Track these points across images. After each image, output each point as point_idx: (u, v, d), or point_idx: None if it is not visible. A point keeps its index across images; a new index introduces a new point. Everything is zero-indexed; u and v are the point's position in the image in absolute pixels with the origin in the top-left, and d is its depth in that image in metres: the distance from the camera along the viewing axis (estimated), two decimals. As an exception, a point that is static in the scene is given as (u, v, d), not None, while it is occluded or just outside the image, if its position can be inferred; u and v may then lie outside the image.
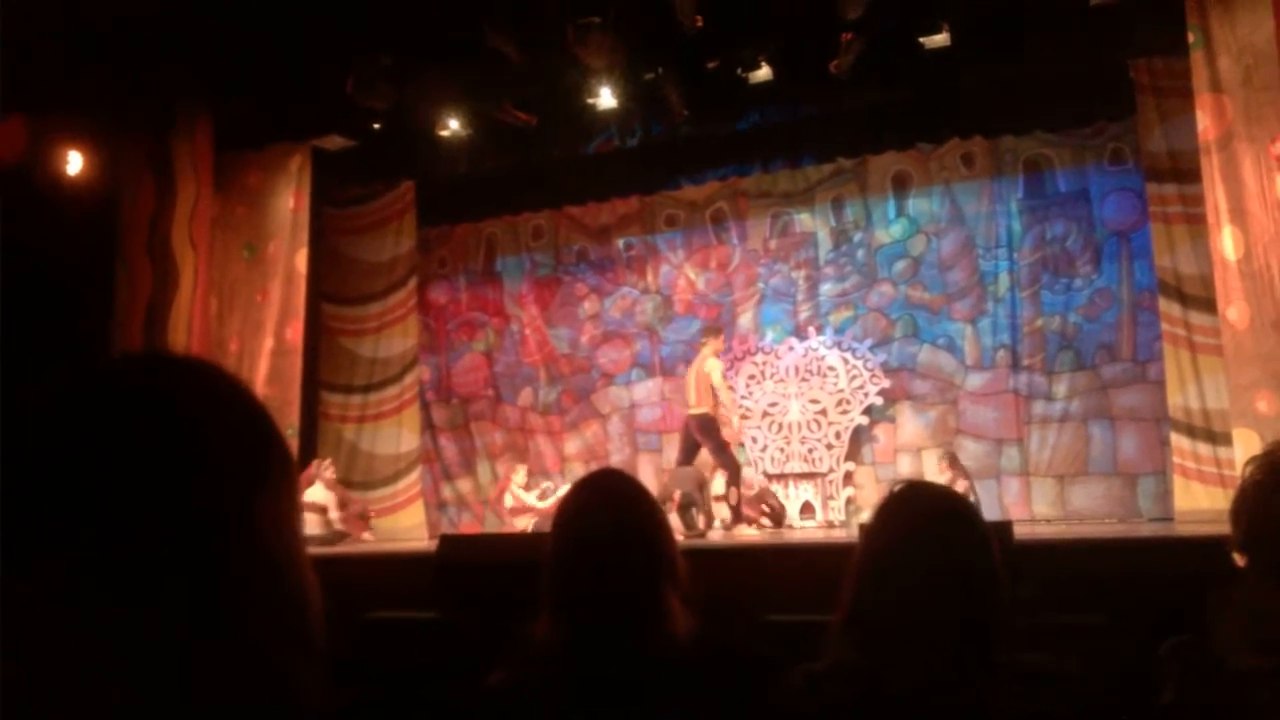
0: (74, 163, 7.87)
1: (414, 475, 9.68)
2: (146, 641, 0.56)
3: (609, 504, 1.59)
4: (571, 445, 9.87)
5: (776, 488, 8.84)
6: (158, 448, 0.60)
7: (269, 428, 0.69)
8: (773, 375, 9.22)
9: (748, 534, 7.37)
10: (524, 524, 8.45)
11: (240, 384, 0.70)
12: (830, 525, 8.52)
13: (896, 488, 1.58)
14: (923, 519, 1.48)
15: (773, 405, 9.11)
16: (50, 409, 0.60)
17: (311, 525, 8.05)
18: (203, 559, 0.59)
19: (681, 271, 9.82)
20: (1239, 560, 2.92)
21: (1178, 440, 7.40)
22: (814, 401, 9.02)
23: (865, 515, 6.24)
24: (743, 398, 9.12)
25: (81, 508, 0.57)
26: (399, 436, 9.71)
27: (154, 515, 0.58)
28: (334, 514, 8.40)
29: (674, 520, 7.72)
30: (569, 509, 1.60)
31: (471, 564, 4.53)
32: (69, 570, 0.56)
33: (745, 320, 9.55)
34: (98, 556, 0.56)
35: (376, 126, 8.50)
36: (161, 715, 0.57)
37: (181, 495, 0.59)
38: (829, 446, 8.91)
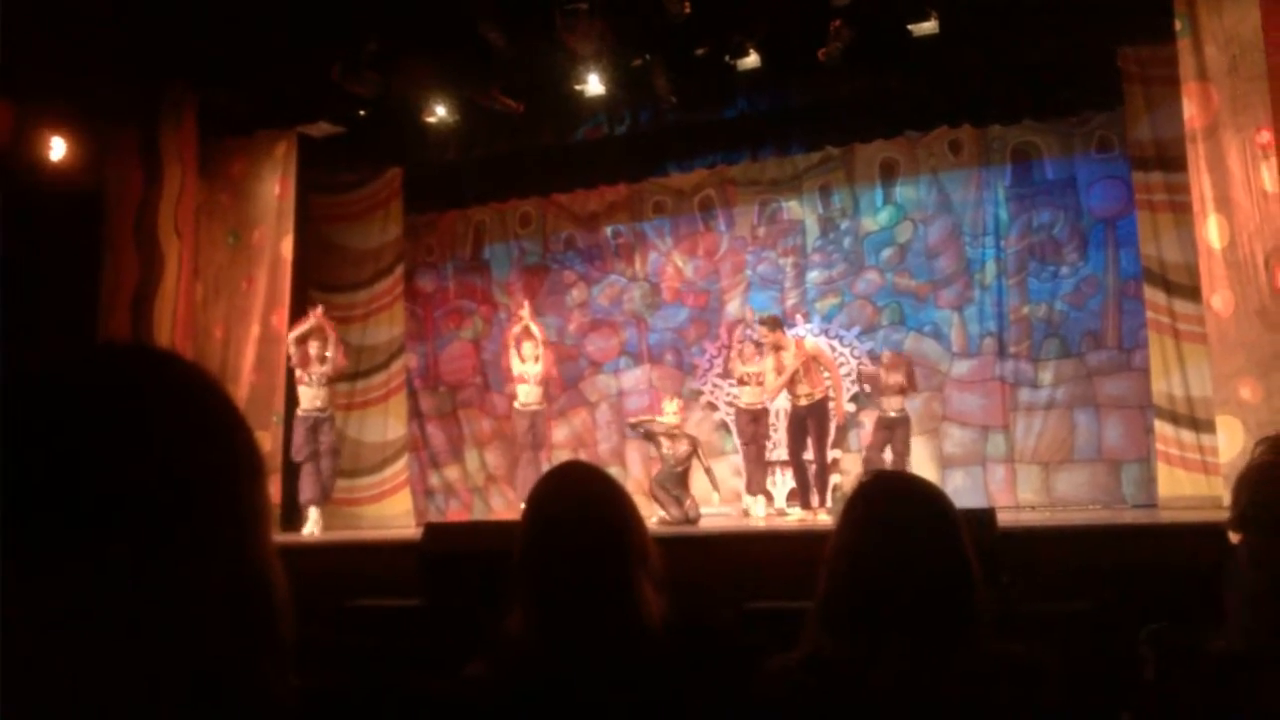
0: (58, 149, 7.81)
1: (401, 463, 9.67)
2: (105, 635, 0.56)
3: (576, 493, 1.60)
4: (559, 433, 9.87)
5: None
6: (120, 439, 0.60)
7: (236, 421, 0.69)
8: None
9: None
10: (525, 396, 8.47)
11: (208, 375, 0.70)
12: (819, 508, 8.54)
13: (865, 479, 1.59)
14: (886, 508, 1.49)
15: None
16: (11, 400, 0.60)
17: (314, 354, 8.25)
18: (166, 552, 0.59)
19: (669, 259, 9.81)
20: (1233, 538, 2.94)
21: (1161, 427, 7.45)
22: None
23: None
24: (730, 385, 9.12)
25: (38, 497, 0.57)
26: (386, 424, 9.69)
27: (111, 511, 0.58)
28: (330, 350, 8.37)
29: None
30: (537, 500, 1.61)
31: (456, 552, 4.54)
32: (19, 562, 0.56)
33: (733, 307, 9.55)
34: (49, 549, 0.56)
35: (363, 113, 8.46)
36: (125, 708, 0.57)
37: (144, 487, 0.59)
38: (816, 434, 8.92)
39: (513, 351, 8.58)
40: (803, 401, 7.81)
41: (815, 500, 7.79)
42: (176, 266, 8.17)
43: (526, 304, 8.94)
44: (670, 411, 8.05)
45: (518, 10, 7.15)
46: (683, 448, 7.91)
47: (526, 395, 8.46)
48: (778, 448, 8.99)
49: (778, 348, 7.85)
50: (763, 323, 8.05)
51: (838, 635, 1.43)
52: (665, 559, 1.61)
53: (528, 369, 8.47)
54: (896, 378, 8.02)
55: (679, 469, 7.85)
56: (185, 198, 8.26)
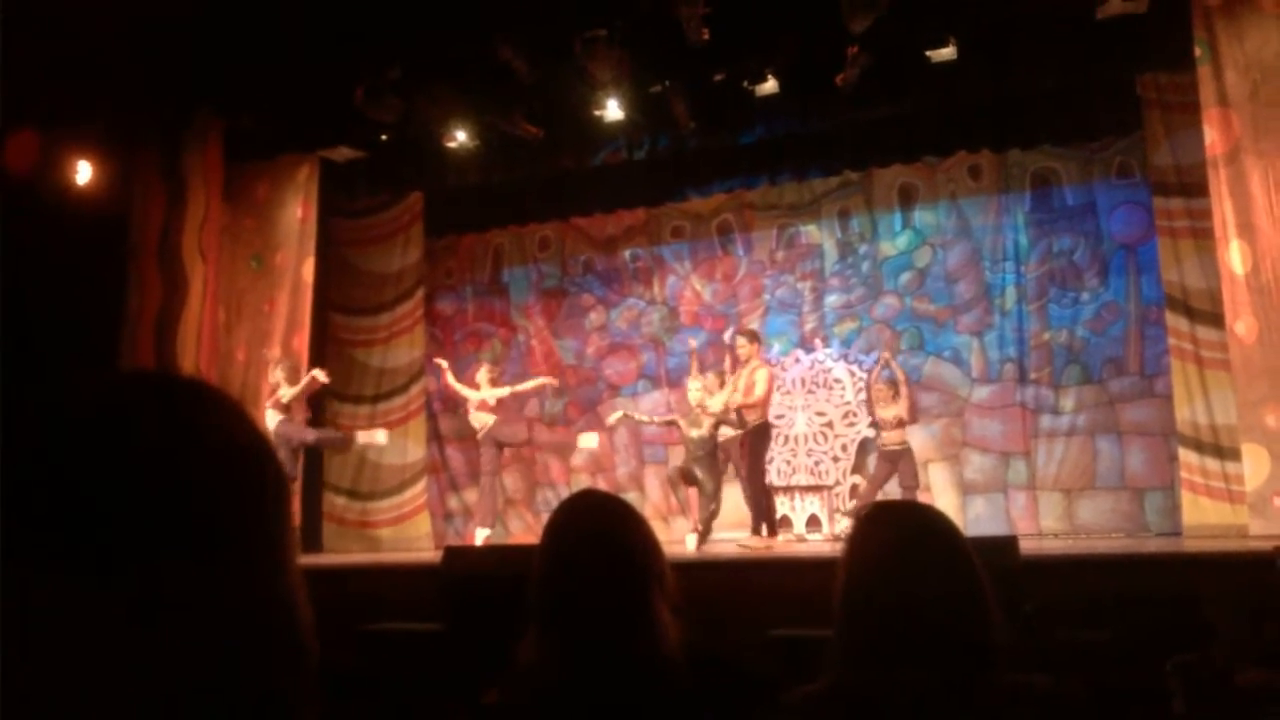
0: (84, 173, 7.92)
1: (420, 486, 9.69)
2: (133, 666, 0.57)
3: (593, 519, 1.60)
4: (577, 457, 9.86)
5: (783, 500, 8.82)
6: (147, 467, 0.60)
7: (262, 448, 0.69)
8: (779, 387, 9.20)
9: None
10: (482, 421, 8.36)
11: (234, 402, 0.70)
12: (836, 538, 8.48)
13: (863, 511, 1.57)
14: (889, 538, 1.47)
15: (779, 418, 9.09)
16: (43, 428, 0.61)
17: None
18: (192, 584, 0.59)
19: (688, 283, 9.83)
20: None
21: (1185, 455, 7.37)
22: (820, 414, 9.01)
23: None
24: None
25: (68, 526, 0.57)
26: (405, 447, 9.72)
27: (142, 538, 0.58)
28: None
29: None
30: (553, 527, 1.61)
31: (476, 575, 4.53)
32: (55, 589, 0.56)
33: (751, 332, 9.54)
34: (83, 577, 0.57)
35: (384, 138, 8.55)
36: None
37: (170, 518, 0.60)
38: (835, 459, 8.89)
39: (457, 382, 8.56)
40: (748, 420, 7.47)
41: (764, 528, 7.32)
42: (201, 289, 8.25)
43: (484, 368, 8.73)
44: (694, 389, 7.69)
45: (538, 37, 7.21)
46: (705, 425, 7.49)
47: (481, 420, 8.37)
48: (797, 473, 8.96)
49: (748, 361, 7.51)
50: (741, 333, 7.79)
51: (854, 667, 1.41)
52: (683, 585, 1.61)
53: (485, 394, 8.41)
54: (895, 410, 7.85)
55: (701, 452, 7.47)
56: (209, 221, 8.35)
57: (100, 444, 0.60)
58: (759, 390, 7.37)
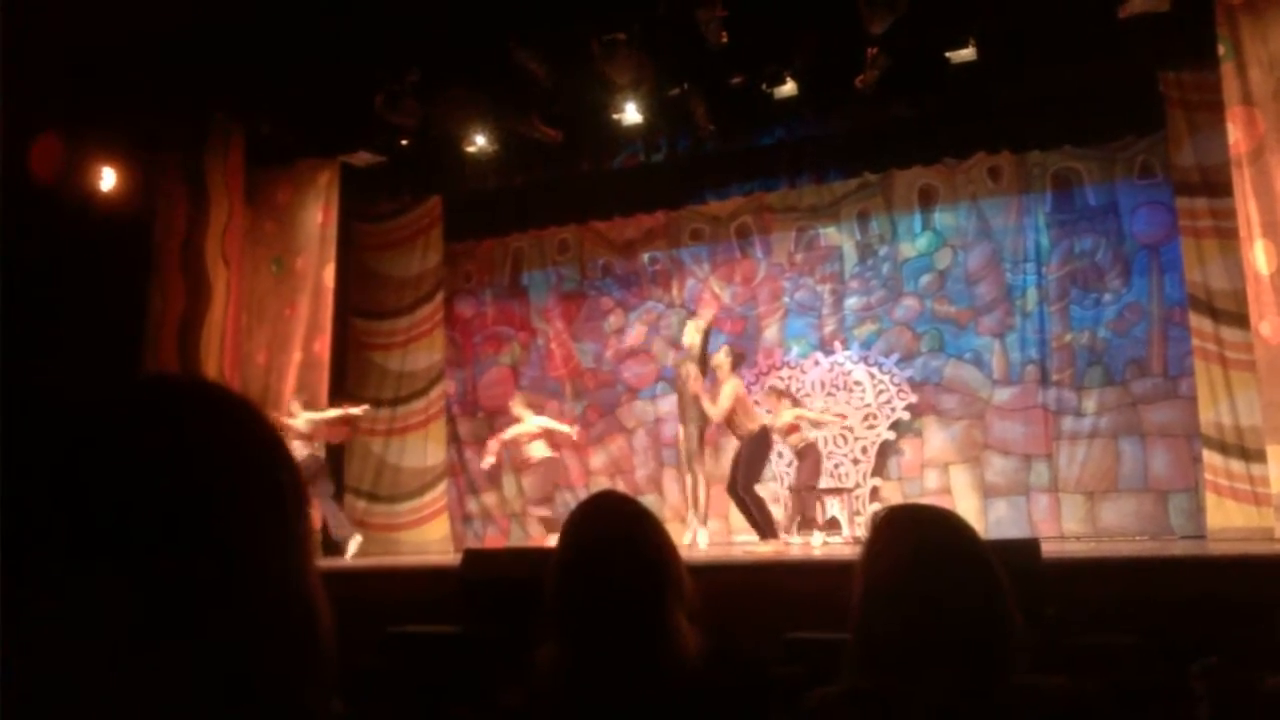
0: (108, 179, 8.00)
1: (440, 488, 9.72)
2: (151, 670, 0.57)
3: (610, 522, 1.60)
4: (596, 460, 9.87)
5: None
6: (168, 472, 0.61)
7: (281, 453, 0.70)
8: (799, 390, 9.18)
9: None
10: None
11: (254, 407, 0.71)
12: (856, 541, 8.45)
13: (880, 515, 1.56)
14: (910, 546, 1.46)
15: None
16: (58, 431, 0.62)
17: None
18: (212, 586, 0.60)
19: (706, 286, 9.81)
20: None
21: (1210, 457, 7.30)
22: (840, 416, 8.98)
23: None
24: (767, 411, 9.08)
25: (78, 528, 0.58)
26: (425, 450, 9.76)
27: (162, 540, 0.59)
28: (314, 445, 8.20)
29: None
30: (570, 530, 1.61)
31: (496, 578, 4.55)
32: (63, 591, 0.57)
33: (770, 334, 9.52)
34: (100, 579, 0.57)
35: (404, 143, 8.59)
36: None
37: (190, 520, 0.60)
38: (855, 461, 8.86)
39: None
40: (741, 433, 7.79)
41: (769, 533, 7.50)
42: (224, 294, 8.31)
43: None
44: (689, 329, 8.08)
45: (557, 40, 7.23)
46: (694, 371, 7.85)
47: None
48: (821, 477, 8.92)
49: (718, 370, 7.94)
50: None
51: (872, 669, 1.41)
52: (700, 588, 1.61)
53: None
54: (785, 420, 8.01)
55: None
56: (232, 226, 8.41)
57: (113, 446, 0.61)
58: (721, 403, 7.69)
